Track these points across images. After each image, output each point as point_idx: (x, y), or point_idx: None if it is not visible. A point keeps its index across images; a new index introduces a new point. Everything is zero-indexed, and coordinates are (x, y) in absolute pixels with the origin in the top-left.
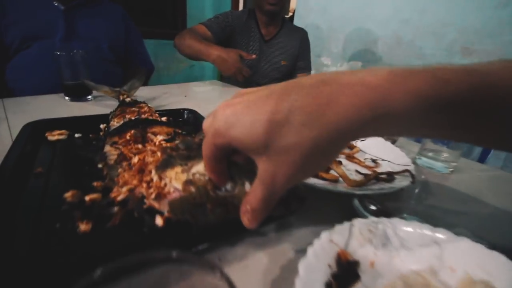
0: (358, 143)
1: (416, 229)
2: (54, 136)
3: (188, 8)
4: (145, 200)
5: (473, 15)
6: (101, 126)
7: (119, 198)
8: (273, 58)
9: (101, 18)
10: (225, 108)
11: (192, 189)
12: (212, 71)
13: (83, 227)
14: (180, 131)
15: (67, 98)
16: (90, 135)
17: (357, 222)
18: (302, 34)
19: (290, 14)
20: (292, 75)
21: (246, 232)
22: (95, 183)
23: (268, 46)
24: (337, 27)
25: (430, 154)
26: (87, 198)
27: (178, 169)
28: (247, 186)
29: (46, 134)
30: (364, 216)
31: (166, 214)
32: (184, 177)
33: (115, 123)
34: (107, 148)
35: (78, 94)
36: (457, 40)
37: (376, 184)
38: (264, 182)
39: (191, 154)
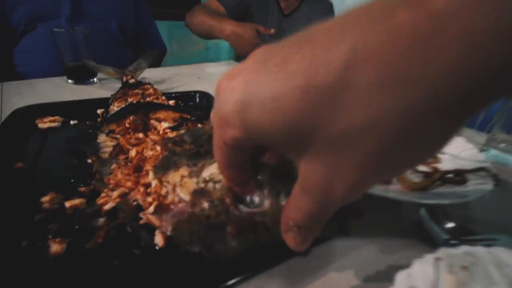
0: None
1: None
2: (45, 123)
3: None
4: (141, 215)
5: None
6: (98, 111)
7: (107, 207)
8: None
9: None
10: (229, 80)
11: (205, 203)
12: (228, 53)
13: (55, 247)
14: (188, 117)
15: (70, 81)
16: (87, 122)
17: (444, 254)
18: (326, 6)
19: None
20: None
21: (280, 258)
22: (81, 186)
23: (288, 21)
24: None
25: (502, 145)
26: (67, 204)
27: (184, 171)
28: (283, 198)
29: (37, 121)
30: (441, 239)
31: (169, 233)
32: (193, 184)
33: (115, 108)
34: (102, 137)
35: (81, 76)
36: None
37: (442, 186)
38: (311, 192)
39: (201, 149)
